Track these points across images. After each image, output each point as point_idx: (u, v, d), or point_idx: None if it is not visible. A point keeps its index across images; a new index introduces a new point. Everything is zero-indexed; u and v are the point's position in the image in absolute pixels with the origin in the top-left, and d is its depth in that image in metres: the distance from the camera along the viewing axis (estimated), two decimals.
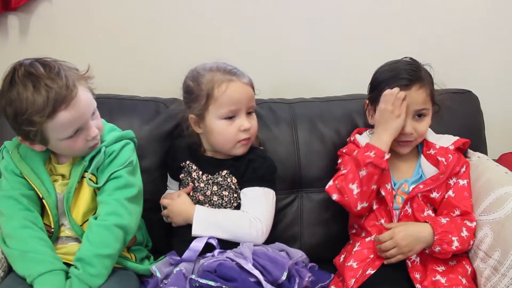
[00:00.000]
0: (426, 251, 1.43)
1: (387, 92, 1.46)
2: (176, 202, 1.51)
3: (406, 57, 1.54)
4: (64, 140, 1.35)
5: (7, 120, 1.34)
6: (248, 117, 1.50)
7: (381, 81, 1.52)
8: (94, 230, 1.35)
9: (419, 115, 1.50)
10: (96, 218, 1.37)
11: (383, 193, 1.48)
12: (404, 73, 1.49)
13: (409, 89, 1.47)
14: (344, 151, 1.59)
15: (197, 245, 1.42)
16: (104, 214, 1.37)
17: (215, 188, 1.50)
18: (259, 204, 1.48)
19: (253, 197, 1.48)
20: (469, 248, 1.46)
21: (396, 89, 1.45)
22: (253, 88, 1.52)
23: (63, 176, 1.44)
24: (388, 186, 1.50)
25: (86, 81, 1.37)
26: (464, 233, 1.43)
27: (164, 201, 1.55)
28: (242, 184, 1.50)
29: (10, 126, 1.35)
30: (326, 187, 1.51)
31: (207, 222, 1.45)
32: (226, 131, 1.47)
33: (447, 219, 1.45)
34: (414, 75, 1.48)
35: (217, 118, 1.47)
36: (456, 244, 1.41)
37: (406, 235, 1.40)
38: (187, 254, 1.42)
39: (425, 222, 1.44)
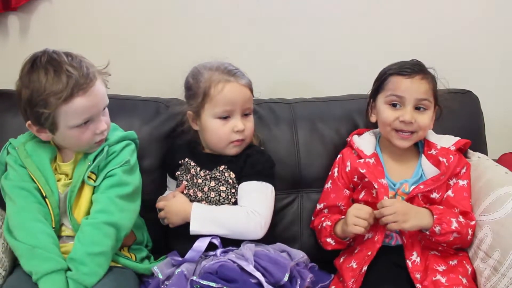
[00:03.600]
0: (427, 232, 1.41)
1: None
2: (173, 202, 1.51)
3: (412, 59, 1.57)
4: (73, 129, 1.35)
5: (17, 104, 1.35)
6: (244, 118, 1.50)
7: (384, 72, 1.55)
8: (83, 229, 1.36)
9: (420, 107, 1.50)
10: (88, 218, 1.37)
11: (376, 186, 1.47)
12: (409, 65, 1.53)
13: (412, 77, 1.50)
14: (339, 156, 1.61)
15: (200, 246, 1.42)
16: (94, 212, 1.37)
17: (212, 183, 1.50)
18: (256, 198, 1.47)
19: (251, 191, 1.48)
20: (468, 239, 1.45)
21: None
22: (251, 90, 1.52)
23: (66, 175, 1.44)
24: (384, 182, 1.49)
25: (103, 76, 1.41)
26: (461, 219, 1.44)
27: (160, 203, 1.54)
28: (240, 179, 1.50)
29: (21, 110, 1.36)
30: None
31: (205, 218, 1.44)
32: (220, 131, 1.48)
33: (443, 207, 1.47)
34: (418, 68, 1.52)
35: (212, 116, 1.48)
36: (455, 224, 1.41)
37: (406, 206, 1.42)
38: (190, 254, 1.42)
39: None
